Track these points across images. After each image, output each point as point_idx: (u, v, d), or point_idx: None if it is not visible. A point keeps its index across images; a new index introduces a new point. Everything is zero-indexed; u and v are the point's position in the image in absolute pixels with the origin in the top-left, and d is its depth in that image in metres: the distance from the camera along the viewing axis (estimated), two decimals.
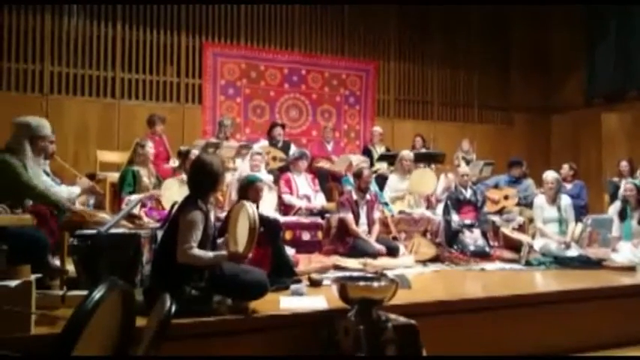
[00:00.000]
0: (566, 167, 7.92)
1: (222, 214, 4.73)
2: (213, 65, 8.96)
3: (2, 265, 2.95)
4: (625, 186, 6.26)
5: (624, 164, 7.87)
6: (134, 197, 5.01)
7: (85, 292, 2.61)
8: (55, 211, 3.86)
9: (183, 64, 8.81)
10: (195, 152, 5.65)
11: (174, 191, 5.10)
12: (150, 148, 5.64)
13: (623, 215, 6.01)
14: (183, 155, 5.91)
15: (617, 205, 6.30)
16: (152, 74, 8.60)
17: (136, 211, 4.76)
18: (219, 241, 3.50)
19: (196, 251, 3.17)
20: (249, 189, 4.46)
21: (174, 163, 6.58)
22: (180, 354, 2.96)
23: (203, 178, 3.40)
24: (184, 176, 5.27)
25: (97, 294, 1.96)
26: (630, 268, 5.26)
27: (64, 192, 4.30)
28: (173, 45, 8.73)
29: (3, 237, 3.14)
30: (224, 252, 3.29)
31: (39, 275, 3.07)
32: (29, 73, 7.84)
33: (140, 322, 2.77)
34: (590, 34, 10.69)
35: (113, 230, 3.79)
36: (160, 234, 3.76)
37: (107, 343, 2.23)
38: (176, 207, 3.41)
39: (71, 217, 3.89)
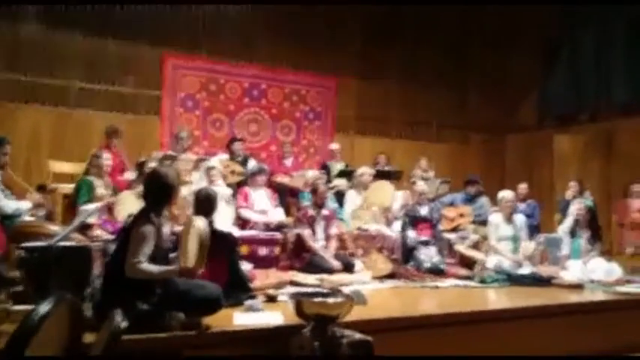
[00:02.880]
0: (524, 186, 8.12)
1: (178, 228, 4.65)
2: (172, 77, 8.87)
3: None
4: (576, 206, 6.46)
5: (573, 184, 8.11)
6: (88, 207, 4.90)
7: (30, 307, 2.54)
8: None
9: (142, 75, 8.69)
10: (151, 164, 5.56)
11: (130, 204, 5.01)
12: (106, 159, 5.55)
13: (572, 234, 6.18)
14: (140, 167, 5.81)
15: (567, 225, 6.48)
16: (109, 84, 8.45)
17: (92, 220, 4.65)
18: (172, 255, 3.44)
19: (145, 266, 3.10)
20: (205, 203, 4.41)
21: (131, 175, 6.47)
22: None
23: (157, 191, 3.35)
24: (140, 188, 5.18)
25: (43, 308, 1.90)
26: (578, 286, 5.40)
27: (12, 206, 4.17)
28: (132, 55, 8.60)
29: None
30: (174, 267, 3.23)
31: None
32: None
33: (89, 338, 2.70)
34: (545, 59, 11.07)
35: (63, 243, 3.68)
36: (112, 247, 3.67)
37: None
38: (130, 220, 3.34)
39: (20, 227, 3.76)
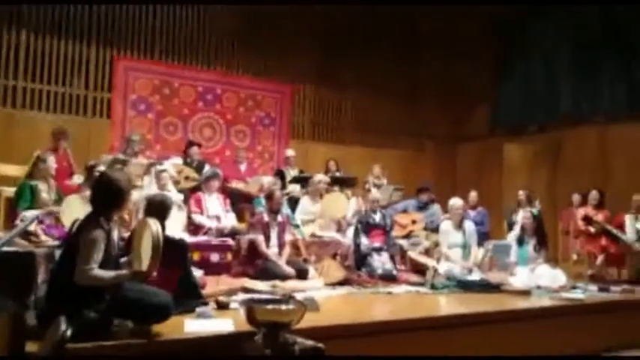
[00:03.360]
0: (474, 194, 8.29)
1: (128, 234, 4.54)
2: (124, 79, 8.70)
3: None
4: (523, 214, 6.63)
5: (521, 193, 8.33)
6: (30, 213, 4.73)
7: None
8: None
9: (92, 76, 8.50)
10: (101, 168, 5.42)
11: (76, 208, 4.85)
12: (51, 162, 5.38)
13: (520, 242, 6.34)
14: (88, 170, 5.66)
15: (515, 232, 6.65)
16: (57, 85, 8.22)
17: (32, 228, 4.49)
18: (123, 260, 3.35)
19: (96, 272, 3.01)
20: (163, 210, 4.33)
21: (78, 178, 6.28)
22: None
23: (107, 196, 3.26)
24: (88, 193, 5.04)
25: None
26: (525, 292, 5.53)
27: None
28: (82, 56, 8.41)
29: None
30: (126, 271, 3.15)
31: None
32: None
33: (32, 347, 2.60)
34: (497, 70, 11.38)
35: (5, 248, 3.55)
36: (58, 253, 3.55)
37: None
38: (77, 225, 3.24)
39: None
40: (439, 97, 11.72)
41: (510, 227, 8.06)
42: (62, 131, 6.81)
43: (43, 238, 4.65)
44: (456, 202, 6.46)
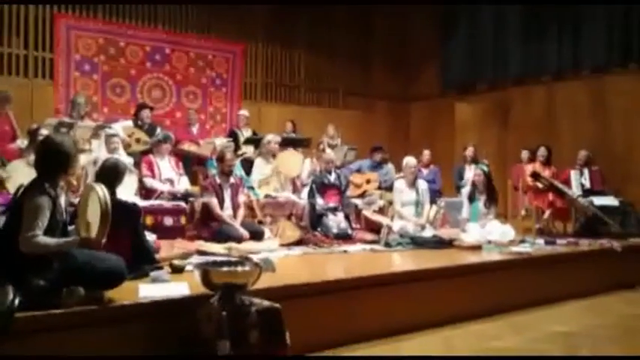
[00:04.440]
0: (427, 153, 8.39)
1: (76, 199, 4.41)
2: (66, 38, 8.33)
3: None
4: (474, 172, 6.76)
5: (470, 150, 8.47)
6: None
7: None
8: None
9: (31, 35, 8.11)
10: (44, 132, 5.23)
11: (22, 174, 4.69)
12: None
13: (471, 198, 6.47)
14: (32, 134, 5.44)
15: (466, 189, 6.78)
16: None
17: None
18: (71, 228, 3.26)
19: (41, 238, 2.91)
20: (116, 175, 4.21)
21: (22, 143, 6.04)
22: (25, 351, 2.72)
23: (52, 160, 3.13)
24: (32, 157, 4.86)
25: None
26: (477, 247, 5.68)
27: None
28: (19, 13, 7.98)
29: None
30: (74, 238, 3.06)
31: None
32: None
33: None
34: (445, 29, 11.41)
35: None
36: (2, 220, 3.42)
37: None
38: (21, 191, 3.12)
39: None
40: (390, 57, 11.73)
41: (458, 185, 8.24)
42: (5, 95, 6.50)
43: None
44: (409, 160, 6.52)
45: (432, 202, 6.75)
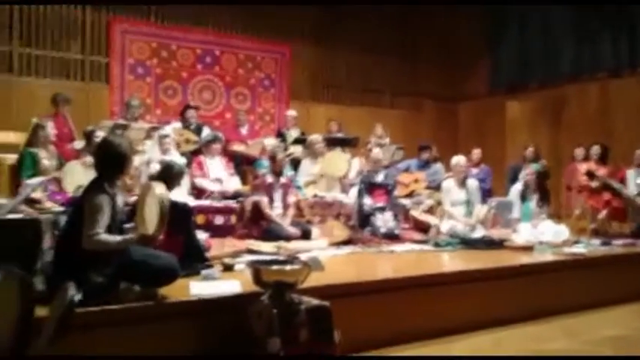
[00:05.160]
0: (477, 152, 8.26)
1: (131, 199, 4.55)
2: (121, 43, 8.59)
3: None
4: (526, 171, 6.62)
5: (530, 150, 8.29)
6: (32, 181, 4.73)
7: None
8: None
9: (88, 40, 8.39)
10: (100, 133, 5.43)
11: (78, 174, 4.87)
12: (51, 129, 5.36)
13: (523, 198, 6.34)
14: (88, 136, 5.64)
15: (517, 188, 6.65)
16: (54, 50, 8.12)
17: (36, 195, 4.50)
18: (128, 226, 3.36)
19: (103, 236, 3.03)
20: (174, 176, 4.34)
21: (78, 144, 6.27)
22: (84, 344, 2.83)
23: (110, 161, 3.25)
24: (88, 158, 5.04)
25: None
26: (529, 248, 5.56)
27: None
28: (77, 19, 8.28)
29: None
30: (133, 235, 3.16)
31: None
32: None
33: (41, 312, 2.63)
34: (494, 27, 11.20)
35: (10, 215, 3.56)
36: (64, 219, 3.57)
37: (5, 333, 2.10)
38: (81, 191, 3.24)
39: None
40: (437, 56, 11.59)
41: (513, 184, 8.07)
42: (64, 97, 6.77)
43: (47, 204, 4.65)
44: (459, 159, 6.44)
45: (483, 201, 6.65)
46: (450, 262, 5.19)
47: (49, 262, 3.41)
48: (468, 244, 5.73)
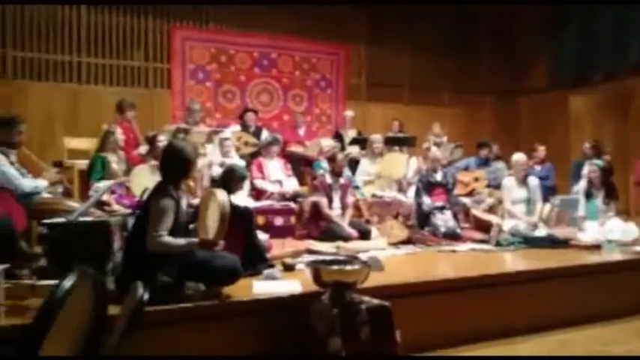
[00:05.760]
0: (542, 149, 8.04)
1: (195, 201, 4.69)
2: (181, 49, 8.84)
3: None
4: (589, 167, 6.40)
5: (587, 146, 8.02)
6: (102, 184, 4.94)
7: (54, 282, 2.58)
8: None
9: (150, 47, 8.68)
10: (162, 138, 5.59)
11: (145, 178, 5.04)
12: (119, 134, 5.58)
13: (588, 195, 6.13)
14: (152, 141, 5.83)
15: (582, 186, 6.43)
16: (119, 58, 8.45)
17: (105, 197, 4.69)
18: (193, 226, 3.47)
19: (166, 239, 3.14)
20: (236, 180, 4.46)
21: (143, 149, 6.49)
22: (153, 342, 2.94)
23: (174, 165, 3.36)
24: (153, 162, 5.21)
25: (68, 283, 1.93)
26: (596, 247, 5.38)
27: (29, 184, 4.23)
28: (140, 28, 8.58)
29: None
30: (195, 239, 3.26)
31: (7, 265, 3.01)
32: None
33: (113, 310, 2.74)
34: (556, 19, 10.84)
35: (82, 218, 3.73)
36: (131, 221, 3.71)
37: (79, 332, 2.21)
38: (147, 194, 3.37)
39: (39, 205, 3.82)
40: (496, 50, 11.32)
41: (576, 181, 7.82)
42: (130, 104, 7.00)
43: (116, 207, 4.84)
44: (519, 157, 6.29)
45: (546, 199, 6.48)
46: (513, 261, 5.09)
47: (118, 262, 3.57)
48: (530, 243, 5.60)
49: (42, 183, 4.38)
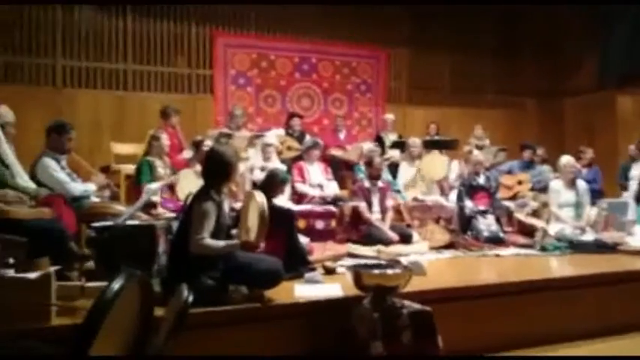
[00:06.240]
0: (590, 151, 7.86)
1: (237, 205, 4.76)
2: (223, 56, 8.97)
3: (22, 258, 2.99)
4: (637, 170, 6.21)
5: (632, 148, 7.79)
6: (153, 185, 5.06)
7: (102, 283, 2.66)
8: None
9: (193, 54, 8.84)
10: (208, 143, 5.68)
11: (189, 182, 5.13)
12: (164, 140, 5.69)
13: (638, 199, 5.95)
14: (196, 146, 5.94)
15: (633, 189, 6.25)
16: (162, 65, 8.63)
17: (155, 198, 4.80)
18: (234, 231, 3.53)
19: (208, 241, 3.20)
20: (278, 184, 4.52)
21: (187, 153, 6.61)
22: (197, 343, 3.00)
23: (217, 169, 3.43)
24: (198, 167, 5.30)
25: (117, 284, 1.98)
26: None
27: (79, 188, 4.38)
28: (183, 36, 8.76)
29: (23, 230, 3.19)
30: (236, 241, 3.31)
31: (58, 267, 3.11)
32: (42, 67, 7.92)
33: (158, 312, 2.81)
34: (604, 17, 10.54)
35: (129, 221, 3.83)
36: (175, 225, 3.79)
37: (127, 332, 2.27)
38: (190, 198, 3.44)
39: (88, 208, 3.94)
40: (540, 50, 11.07)
41: (623, 185, 7.60)
42: (172, 109, 7.15)
43: (160, 210, 4.95)
44: (568, 159, 6.15)
45: (593, 203, 6.32)
46: (559, 266, 4.98)
47: (163, 265, 3.65)
48: (577, 247, 5.47)
49: (91, 187, 4.52)
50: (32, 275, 2.85)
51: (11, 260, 2.93)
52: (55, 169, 4.32)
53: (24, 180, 4.04)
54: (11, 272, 2.89)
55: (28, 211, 3.54)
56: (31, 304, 2.80)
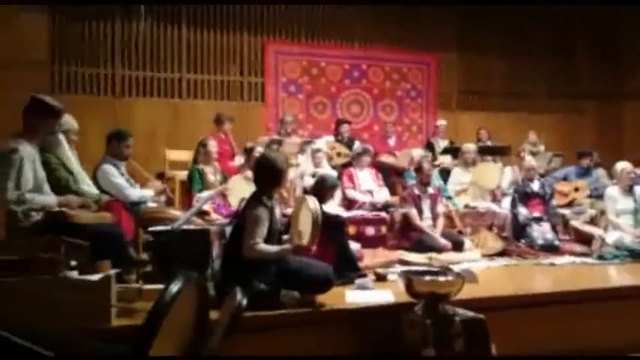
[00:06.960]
0: None
1: (288, 210, 4.81)
2: (274, 64, 9.10)
3: (84, 261, 3.11)
4: None
5: None
6: (204, 194, 5.18)
7: (159, 286, 2.74)
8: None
9: (245, 63, 8.99)
10: (259, 149, 5.77)
11: (241, 188, 5.22)
12: (212, 146, 5.78)
13: None
14: (248, 152, 6.03)
15: None
16: (216, 74, 8.82)
17: (206, 207, 4.91)
18: (285, 237, 3.57)
19: (261, 246, 3.25)
20: (328, 189, 4.56)
21: (239, 160, 6.73)
22: (250, 346, 3.05)
23: (268, 175, 3.49)
24: (249, 173, 5.39)
25: (175, 287, 2.04)
26: None
27: (137, 194, 4.53)
28: (235, 44, 8.92)
29: (85, 234, 3.32)
30: (289, 245, 3.36)
31: (117, 270, 3.22)
32: (101, 77, 8.21)
33: (212, 315, 2.87)
34: None
35: (185, 226, 3.94)
36: (228, 230, 3.87)
37: (184, 334, 2.33)
38: (243, 203, 3.51)
39: (146, 213, 4.06)
40: (598, 51, 10.71)
41: None
42: (226, 117, 7.29)
43: (214, 216, 5.06)
44: (624, 165, 5.95)
45: None
46: (618, 275, 4.83)
47: (217, 269, 3.73)
48: (637, 256, 5.29)
49: (148, 193, 4.67)
50: (94, 277, 2.97)
51: (74, 263, 3.05)
52: (115, 175, 4.49)
53: (87, 185, 4.20)
54: (74, 274, 3.01)
55: (90, 215, 3.68)
56: (93, 305, 2.90)
